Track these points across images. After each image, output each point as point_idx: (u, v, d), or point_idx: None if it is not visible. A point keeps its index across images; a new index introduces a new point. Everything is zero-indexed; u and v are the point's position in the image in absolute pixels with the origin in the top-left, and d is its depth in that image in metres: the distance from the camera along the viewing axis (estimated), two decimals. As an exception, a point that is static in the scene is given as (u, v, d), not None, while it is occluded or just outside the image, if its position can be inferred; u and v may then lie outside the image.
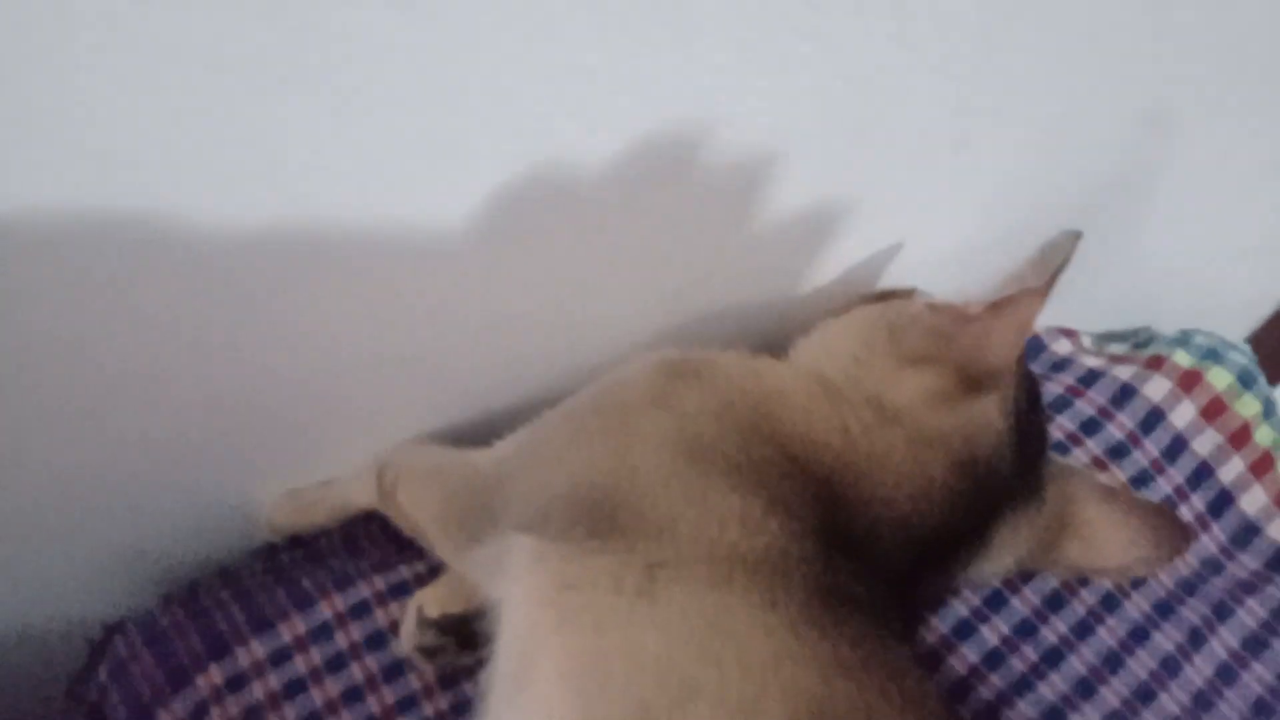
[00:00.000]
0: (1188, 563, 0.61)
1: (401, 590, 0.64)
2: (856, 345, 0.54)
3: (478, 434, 0.65)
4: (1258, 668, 0.56)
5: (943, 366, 0.52)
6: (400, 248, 0.50)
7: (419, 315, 0.57)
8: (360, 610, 0.62)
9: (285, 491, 0.70)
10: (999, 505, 0.51)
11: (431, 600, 0.60)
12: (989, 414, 0.51)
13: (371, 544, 0.69)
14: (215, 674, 0.59)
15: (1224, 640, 0.57)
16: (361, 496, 0.67)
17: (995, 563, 0.53)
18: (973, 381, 0.52)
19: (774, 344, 0.60)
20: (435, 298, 0.56)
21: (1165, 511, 0.55)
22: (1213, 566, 0.61)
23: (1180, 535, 0.54)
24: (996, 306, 0.51)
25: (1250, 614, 0.58)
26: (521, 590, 0.50)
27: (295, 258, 0.48)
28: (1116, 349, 0.71)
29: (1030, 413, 0.53)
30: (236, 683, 0.59)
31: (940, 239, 0.68)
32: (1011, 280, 0.52)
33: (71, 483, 0.58)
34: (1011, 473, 0.51)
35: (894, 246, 0.66)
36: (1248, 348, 0.68)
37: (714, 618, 0.46)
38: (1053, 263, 0.51)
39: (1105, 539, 0.54)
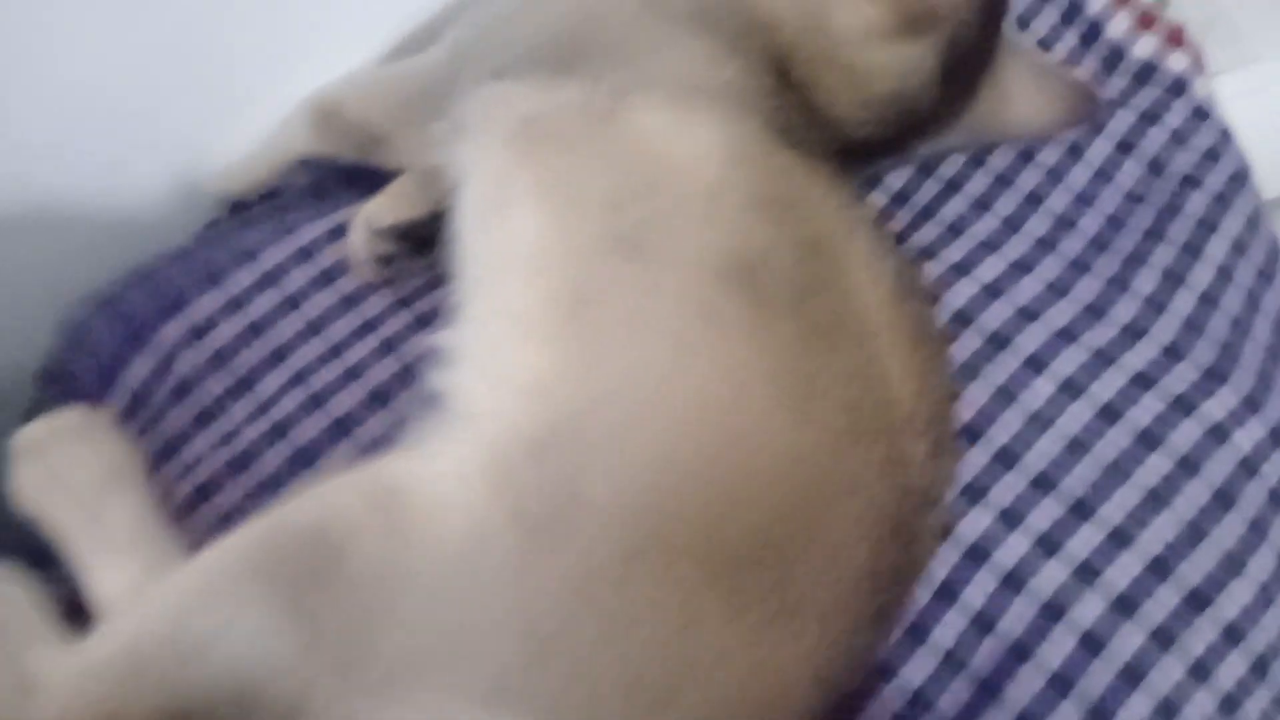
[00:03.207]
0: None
1: (343, 232, 0.65)
2: None
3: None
4: (1128, 164, 0.63)
5: (890, 3, 0.54)
6: None
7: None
8: (305, 254, 0.64)
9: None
10: (923, 127, 0.57)
11: (379, 209, 0.62)
12: (922, 57, 0.54)
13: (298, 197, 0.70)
14: (173, 329, 0.61)
15: (1099, 147, 0.64)
16: (299, 137, 0.68)
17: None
18: (914, 22, 0.54)
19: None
20: None
21: (1081, 84, 0.61)
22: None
23: (1093, 106, 0.61)
24: None
25: (1120, 121, 0.64)
26: (487, 135, 0.53)
27: None
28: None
29: (986, 27, 0.56)
30: (197, 332, 0.61)
31: None
32: None
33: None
34: (939, 103, 0.56)
35: None
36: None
37: (677, 128, 0.50)
38: None
39: (1028, 114, 0.60)
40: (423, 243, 0.61)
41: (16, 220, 0.66)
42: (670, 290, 0.46)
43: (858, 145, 0.57)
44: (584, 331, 0.47)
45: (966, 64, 0.56)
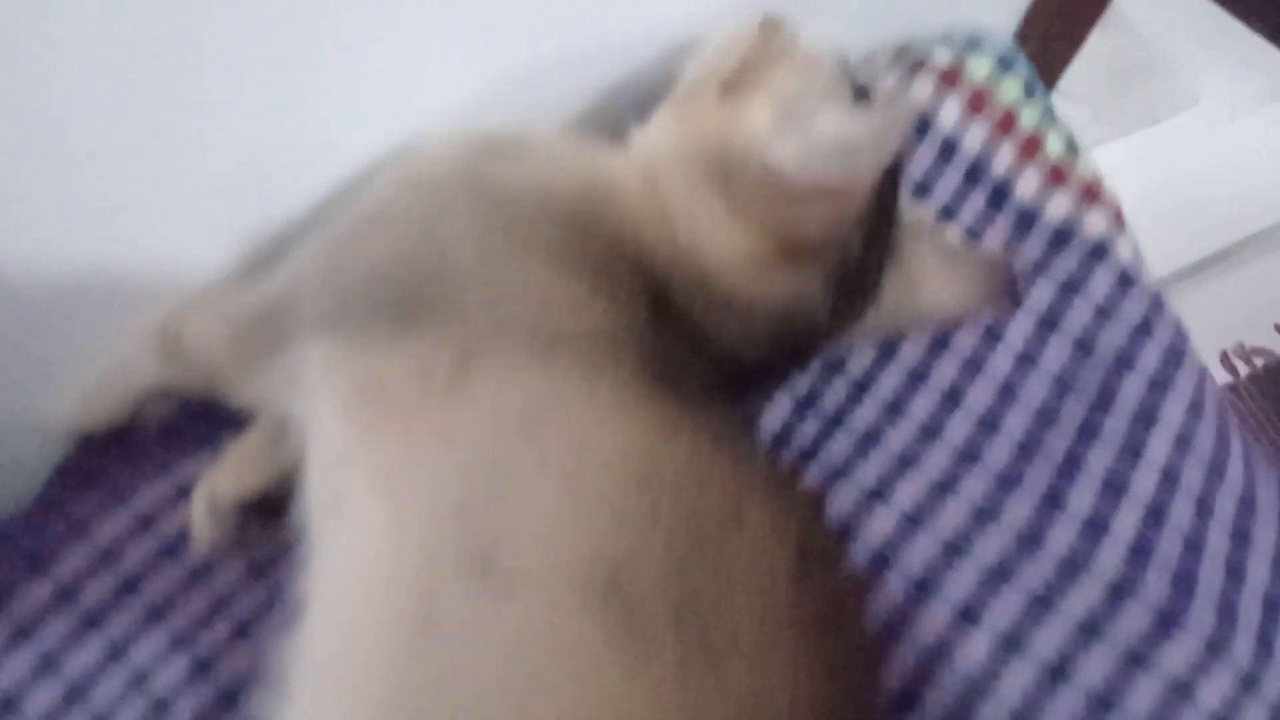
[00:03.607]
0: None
1: (187, 492, 0.58)
2: (693, 166, 0.50)
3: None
4: (1053, 344, 0.57)
5: (765, 231, 0.48)
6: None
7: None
8: (144, 523, 0.56)
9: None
10: (821, 341, 0.52)
11: (222, 482, 0.54)
12: (808, 284, 0.49)
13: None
14: (-4, 631, 0.53)
15: (1019, 324, 0.58)
16: (146, 366, 0.60)
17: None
18: (794, 251, 0.49)
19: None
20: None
21: (998, 265, 0.56)
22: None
23: (1008, 282, 0.56)
24: (821, 190, 0.47)
25: (1041, 293, 0.58)
26: (321, 404, 0.46)
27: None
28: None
29: (877, 238, 0.50)
30: (22, 634, 0.53)
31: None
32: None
33: None
34: (835, 317, 0.50)
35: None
36: (1010, 40, 0.66)
37: (534, 393, 0.43)
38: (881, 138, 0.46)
39: (939, 299, 0.55)
40: (274, 508, 0.54)
41: None
42: (524, 621, 0.39)
43: (752, 367, 0.51)
44: (425, 679, 0.39)
45: (861, 276, 0.50)
